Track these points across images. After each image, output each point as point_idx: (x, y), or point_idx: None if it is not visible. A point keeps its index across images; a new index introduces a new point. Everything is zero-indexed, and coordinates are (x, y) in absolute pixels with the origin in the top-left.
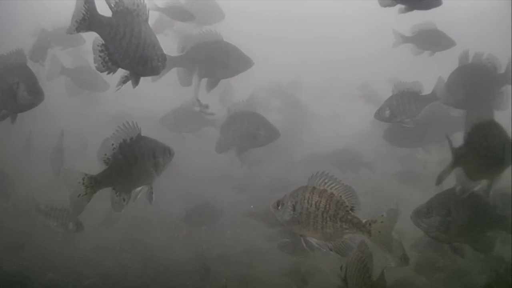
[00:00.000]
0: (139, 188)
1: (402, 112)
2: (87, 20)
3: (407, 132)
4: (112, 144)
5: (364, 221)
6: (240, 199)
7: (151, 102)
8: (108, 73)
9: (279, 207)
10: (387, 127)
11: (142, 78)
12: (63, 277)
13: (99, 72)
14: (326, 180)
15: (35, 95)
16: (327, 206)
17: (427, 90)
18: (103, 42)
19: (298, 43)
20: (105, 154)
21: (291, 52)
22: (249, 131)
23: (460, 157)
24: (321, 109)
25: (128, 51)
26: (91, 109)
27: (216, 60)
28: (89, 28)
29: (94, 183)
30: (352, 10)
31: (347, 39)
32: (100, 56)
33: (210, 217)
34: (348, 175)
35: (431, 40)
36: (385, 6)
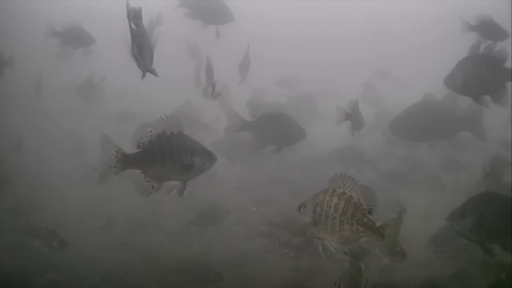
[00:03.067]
0: (173, 183)
1: None
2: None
3: (413, 125)
4: (150, 131)
5: (378, 224)
6: (239, 199)
7: (150, 102)
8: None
9: (301, 210)
10: (393, 119)
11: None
12: (63, 277)
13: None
14: (345, 182)
15: None
16: (345, 208)
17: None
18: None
19: (290, 44)
20: (141, 138)
21: (284, 52)
22: (284, 131)
23: None
24: (315, 109)
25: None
26: (92, 109)
27: (280, 130)
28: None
29: (126, 160)
30: (352, 12)
31: (344, 40)
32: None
33: (217, 218)
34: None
35: (491, 30)
36: None
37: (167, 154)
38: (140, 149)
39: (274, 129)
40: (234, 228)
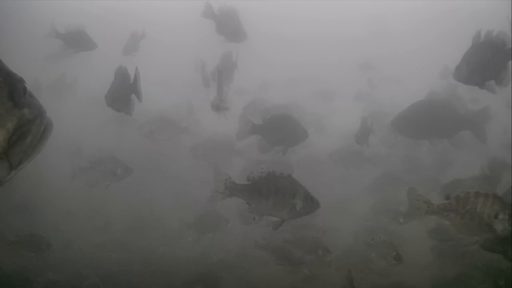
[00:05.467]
0: (275, 219)
1: None
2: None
3: (416, 123)
4: (262, 168)
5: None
6: (238, 201)
7: (148, 102)
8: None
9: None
10: (396, 116)
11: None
12: (63, 277)
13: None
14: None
15: None
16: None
17: None
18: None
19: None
20: (252, 172)
21: (283, 51)
22: (291, 132)
23: None
24: (310, 109)
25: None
26: (91, 110)
27: (287, 132)
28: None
29: (233, 188)
30: (352, 12)
31: (343, 40)
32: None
33: (215, 225)
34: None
35: None
36: None
37: (272, 192)
38: (250, 182)
39: (282, 131)
40: (234, 233)
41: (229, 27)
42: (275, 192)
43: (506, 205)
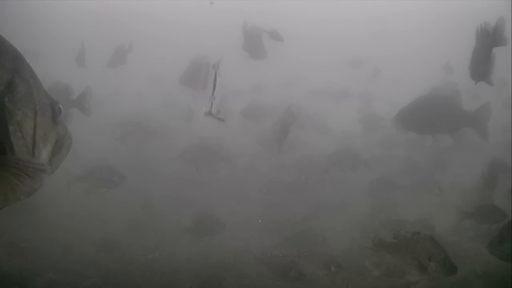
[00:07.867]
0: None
1: None
2: None
3: (419, 118)
4: (407, 227)
5: None
6: (236, 203)
7: (149, 103)
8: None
9: None
10: (400, 111)
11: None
12: (63, 277)
13: None
14: None
15: None
16: None
17: None
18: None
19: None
20: (398, 231)
21: (282, 51)
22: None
23: None
24: (306, 109)
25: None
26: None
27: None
28: None
29: (380, 245)
30: (352, 12)
31: (343, 39)
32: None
33: (212, 229)
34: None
35: None
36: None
37: (409, 252)
38: (395, 240)
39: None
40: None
41: (255, 46)
42: (412, 252)
43: None
